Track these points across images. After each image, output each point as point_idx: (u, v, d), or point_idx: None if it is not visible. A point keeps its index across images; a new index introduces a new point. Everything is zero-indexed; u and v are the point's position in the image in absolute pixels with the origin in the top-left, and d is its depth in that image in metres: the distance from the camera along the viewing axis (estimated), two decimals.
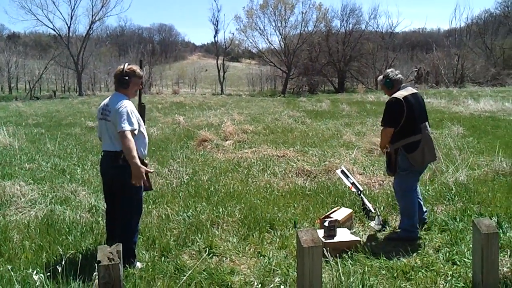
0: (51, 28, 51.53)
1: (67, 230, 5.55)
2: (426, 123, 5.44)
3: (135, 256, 4.54)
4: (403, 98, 5.17)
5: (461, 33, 68.17)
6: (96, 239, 5.19)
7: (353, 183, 6.29)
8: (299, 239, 3.24)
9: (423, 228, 5.52)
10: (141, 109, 4.77)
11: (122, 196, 4.47)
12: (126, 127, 4.21)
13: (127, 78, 4.46)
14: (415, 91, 5.46)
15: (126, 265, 4.21)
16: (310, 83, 52.13)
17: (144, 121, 4.66)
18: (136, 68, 4.57)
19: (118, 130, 4.23)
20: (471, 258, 4.02)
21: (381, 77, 5.61)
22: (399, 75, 5.46)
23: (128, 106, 4.34)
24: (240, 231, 5.44)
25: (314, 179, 7.99)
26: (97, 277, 2.91)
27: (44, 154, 10.83)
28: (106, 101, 4.58)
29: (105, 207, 4.91)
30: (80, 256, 4.59)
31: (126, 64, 4.58)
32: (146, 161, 4.70)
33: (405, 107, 5.13)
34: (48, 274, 4.04)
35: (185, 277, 3.87)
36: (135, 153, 4.16)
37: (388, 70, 5.57)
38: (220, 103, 28.83)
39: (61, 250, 4.56)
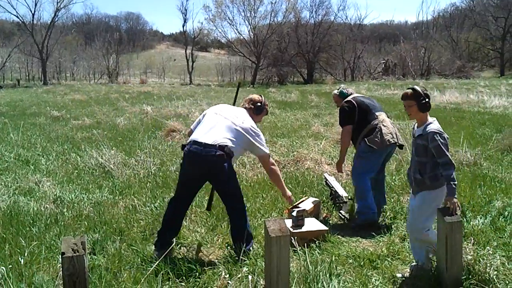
0: (15, 15, 50.28)
1: (31, 221, 5.43)
2: (383, 113, 5.66)
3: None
4: (352, 98, 5.65)
5: (428, 26, 69.40)
6: (60, 231, 5.09)
7: (335, 192, 6.24)
8: (266, 228, 3.24)
9: (390, 217, 5.60)
10: None
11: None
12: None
13: (263, 108, 4.92)
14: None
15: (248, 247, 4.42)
16: (279, 74, 52.21)
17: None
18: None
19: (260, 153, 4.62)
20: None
21: (335, 91, 5.99)
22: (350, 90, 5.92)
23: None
24: (208, 222, 5.42)
25: (282, 169, 8.00)
26: (61, 268, 2.85)
27: (7, 144, 10.56)
28: (233, 108, 4.82)
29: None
30: (44, 248, 4.52)
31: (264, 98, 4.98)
32: None
33: (356, 103, 5.55)
34: (10, 266, 3.95)
35: (152, 268, 3.82)
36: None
37: (342, 85, 6.10)
38: (188, 93, 28.64)
39: (23, 241, 4.45)
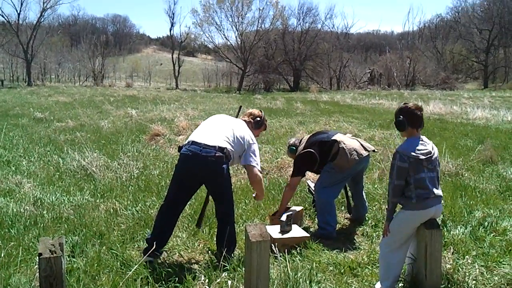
0: (0, 15, 49.57)
1: (10, 223, 5.36)
2: (337, 134, 5.64)
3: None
4: (303, 147, 5.59)
5: (413, 37, 70.23)
6: (39, 233, 5.03)
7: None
8: (247, 233, 3.23)
9: (371, 225, 5.63)
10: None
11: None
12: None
13: (262, 123, 5.02)
14: None
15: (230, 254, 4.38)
16: (265, 80, 52.39)
17: None
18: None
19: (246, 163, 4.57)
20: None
21: (287, 150, 5.99)
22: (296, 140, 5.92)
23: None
24: (190, 227, 5.38)
25: (266, 175, 8.00)
26: (38, 270, 2.81)
27: None
28: (233, 118, 4.89)
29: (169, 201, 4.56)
30: (22, 249, 4.46)
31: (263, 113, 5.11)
32: None
33: (310, 149, 5.48)
34: None
35: (130, 272, 3.78)
36: None
37: (289, 141, 6.01)
38: (174, 97, 28.56)
39: (0, 242, 4.39)
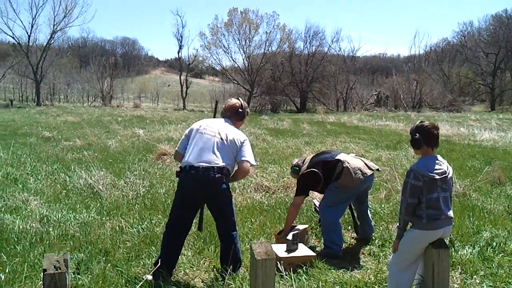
0: (11, 36, 50.16)
1: (16, 239, 5.36)
2: (341, 153, 5.66)
3: None
4: (306, 167, 5.60)
5: (420, 60, 70.39)
6: (45, 249, 5.03)
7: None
8: (252, 251, 3.20)
9: (378, 245, 5.58)
10: None
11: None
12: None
13: (243, 113, 4.85)
14: None
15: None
16: (272, 102, 52.54)
17: None
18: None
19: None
20: None
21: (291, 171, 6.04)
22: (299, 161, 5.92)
23: None
24: (196, 245, 5.36)
25: (272, 195, 7.99)
26: (42, 286, 2.80)
27: None
28: (216, 122, 4.74)
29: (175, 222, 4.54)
30: (27, 265, 4.45)
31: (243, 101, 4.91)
32: None
33: (313, 169, 5.48)
34: None
35: None
36: None
37: (293, 162, 6.02)
38: (181, 118, 28.67)
39: (6, 258, 4.38)
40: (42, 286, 2.81)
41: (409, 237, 3.79)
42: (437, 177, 3.66)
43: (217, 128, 4.56)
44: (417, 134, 3.80)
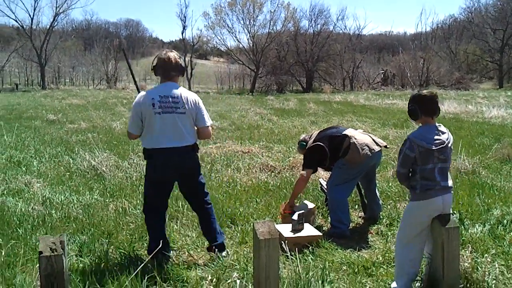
0: (14, 19, 49.98)
1: (18, 222, 5.29)
2: (348, 129, 5.56)
3: None
4: (313, 140, 5.50)
5: (426, 37, 69.51)
6: (47, 232, 4.97)
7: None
8: (255, 231, 3.10)
9: (386, 224, 5.48)
10: None
11: (200, 183, 4.48)
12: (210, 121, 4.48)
13: (183, 67, 4.45)
14: None
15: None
16: (278, 82, 52.17)
17: None
18: None
19: (204, 125, 4.37)
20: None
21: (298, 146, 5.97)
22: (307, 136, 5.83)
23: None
24: (199, 226, 5.27)
25: (278, 174, 7.89)
26: (39, 269, 2.72)
27: (0, 146, 10.42)
28: (162, 91, 4.29)
29: (155, 207, 4.42)
30: (29, 249, 4.39)
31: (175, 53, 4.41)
32: None
33: (320, 142, 5.40)
34: None
35: (137, 271, 3.66)
36: None
37: (300, 138, 5.97)
38: None
39: (0, 240, 4.33)
40: (39, 269, 2.73)
41: (406, 210, 3.78)
42: (434, 148, 3.53)
43: (169, 99, 4.24)
44: (412, 105, 3.69)
